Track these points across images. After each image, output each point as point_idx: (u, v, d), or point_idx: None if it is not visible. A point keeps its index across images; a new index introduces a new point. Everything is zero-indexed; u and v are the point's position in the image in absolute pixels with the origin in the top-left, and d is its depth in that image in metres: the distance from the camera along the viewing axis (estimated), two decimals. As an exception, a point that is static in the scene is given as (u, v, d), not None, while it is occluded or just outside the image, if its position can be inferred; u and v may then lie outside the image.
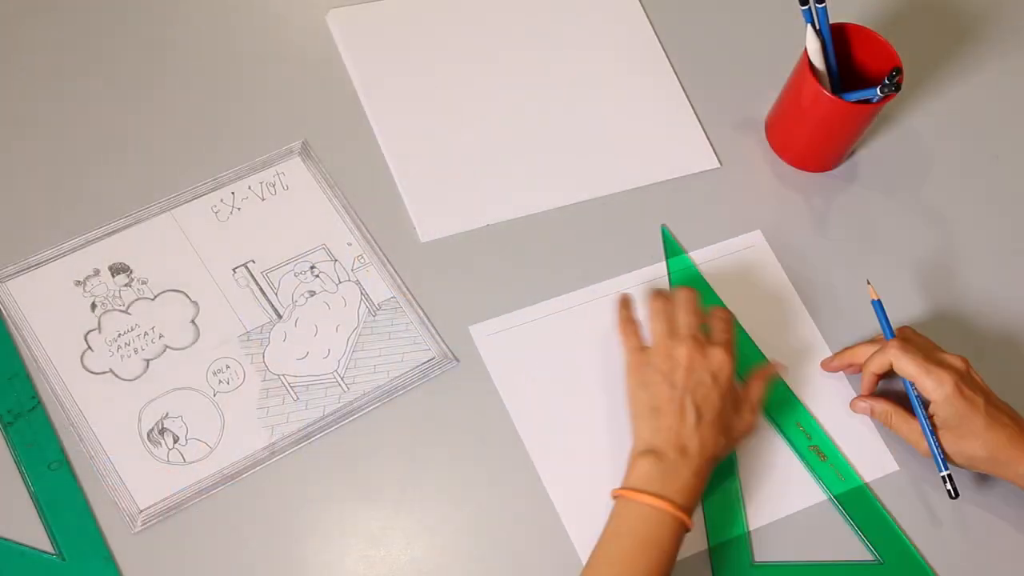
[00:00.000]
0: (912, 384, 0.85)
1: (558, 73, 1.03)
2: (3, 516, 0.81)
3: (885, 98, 0.91)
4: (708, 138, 1.01)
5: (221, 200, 0.94)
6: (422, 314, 0.91)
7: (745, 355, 0.91)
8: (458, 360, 0.90)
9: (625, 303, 0.89)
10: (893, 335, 0.87)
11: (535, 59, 1.03)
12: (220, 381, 0.87)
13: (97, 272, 0.90)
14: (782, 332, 0.94)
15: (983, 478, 0.88)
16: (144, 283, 0.90)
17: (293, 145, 0.96)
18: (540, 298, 0.92)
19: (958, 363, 0.85)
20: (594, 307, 0.93)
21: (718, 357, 0.83)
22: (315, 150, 0.96)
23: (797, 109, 0.97)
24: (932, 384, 0.83)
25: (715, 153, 1.01)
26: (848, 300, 0.95)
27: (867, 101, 0.92)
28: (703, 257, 0.96)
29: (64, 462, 0.83)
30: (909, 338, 0.88)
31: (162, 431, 0.85)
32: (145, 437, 0.85)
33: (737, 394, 0.85)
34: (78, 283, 0.89)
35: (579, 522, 0.85)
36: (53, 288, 0.89)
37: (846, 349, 0.91)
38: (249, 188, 0.94)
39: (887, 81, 0.89)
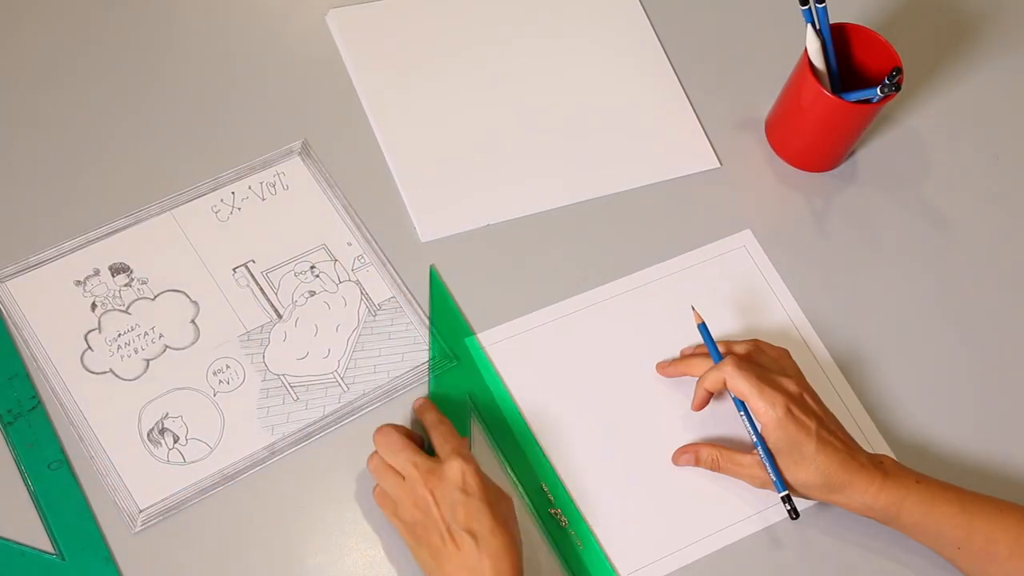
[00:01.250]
0: (744, 404, 0.83)
1: (558, 73, 1.03)
2: (3, 516, 0.81)
3: (885, 98, 0.91)
4: (708, 138, 1.01)
5: (221, 200, 0.94)
6: (422, 314, 0.91)
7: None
8: (458, 360, 0.89)
9: (376, 468, 0.82)
10: (720, 358, 0.84)
11: (535, 60, 1.03)
12: (220, 381, 0.87)
13: (97, 272, 0.90)
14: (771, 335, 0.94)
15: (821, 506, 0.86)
16: (144, 283, 0.90)
17: (293, 145, 0.96)
18: (539, 297, 0.92)
19: (791, 386, 0.82)
20: (592, 312, 0.93)
21: (453, 469, 0.77)
22: (315, 150, 0.96)
23: (797, 109, 0.97)
24: (763, 406, 0.80)
25: (715, 153, 1.01)
26: (847, 300, 0.95)
27: (867, 101, 0.92)
28: (692, 260, 0.96)
29: (64, 462, 0.83)
30: (750, 354, 0.86)
31: (162, 431, 0.85)
32: (145, 437, 0.85)
33: (494, 485, 0.79)
34: (78, 283, 0.89)
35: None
36: (53, 288, 0.88)
37: (683, 358, 0.89)
38: (249, 188, 0.94)
39: (887, 81, 0.89)
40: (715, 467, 0.85)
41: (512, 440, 0.86)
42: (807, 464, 0.80)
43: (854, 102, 0.92)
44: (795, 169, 1.01)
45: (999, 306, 0.97)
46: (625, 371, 0.90)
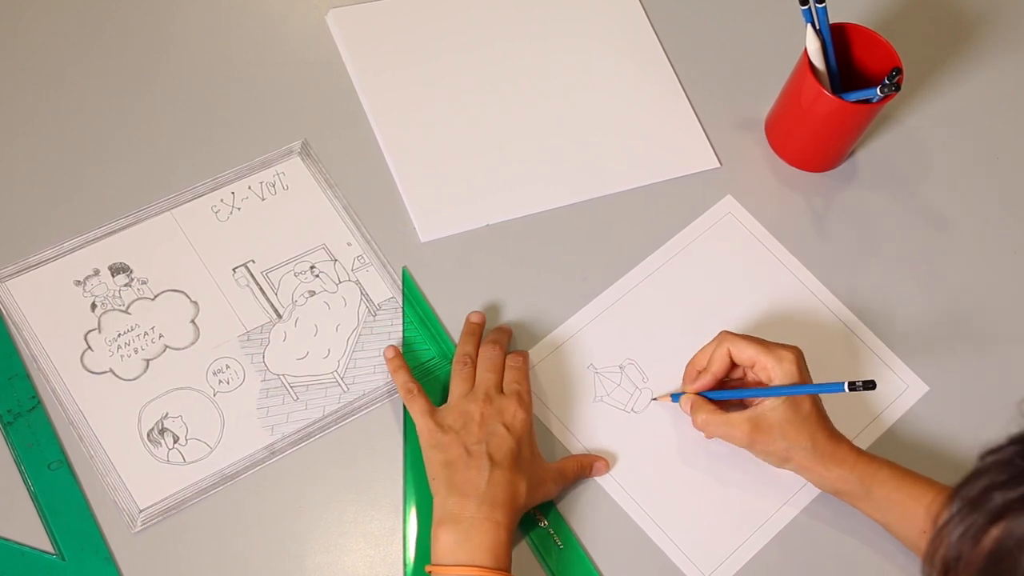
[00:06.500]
0: (750, 368, 0.83)
1: (558, 73, 1.03)
2: (3, 516, 0.81)
3: (885, 98, 0.91)
4: (708, 138, 1.01)
5: (221, 200, 0.94)
6: (422, 314, 0.91)
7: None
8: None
9: (397, 367, 0.86)
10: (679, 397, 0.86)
11: (535, 60, 1.03)
12: (220, 381, 0.87)
13: (97, 272, 0.90)
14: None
15: None
16: (144, 283, 0.90)
17: (293, 145, 0.96)
18: (539, 298, 0.92)
19: (794, 346, 0.83)
20: (596, 316, 0.93)
21: (511, 407, 0.83)
22: (315, 150, 0.96)
23: (797, 109, 0.97)
24: (773, 361, 0.81)
25: (715, 153, 1.01)
26: (847, 301, 0.95)
27: (867, 101, 0.92)
28: (686, 239, 0.96)
29: (64, 462, 0.83)
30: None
31: (162, 431, 0.85)
32: (145, 437, 0.85)
33: (536, 447, 0.83)
34: (78, 283, 0.89)
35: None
36: (53, 288, 0.89)
37: (688, 366, 0.87)
38: (249, 188, 0.94)
39: (887, 81, 0.89)
40: (704, 429, 0.84)
41: None
42: (800, 424, 0.81)
43: (854, 102, 0.92)
44: (795, 169, 1.01)
45: (999, 306, 0.97)
46: (635, 372, 0.91)
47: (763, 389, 0.82)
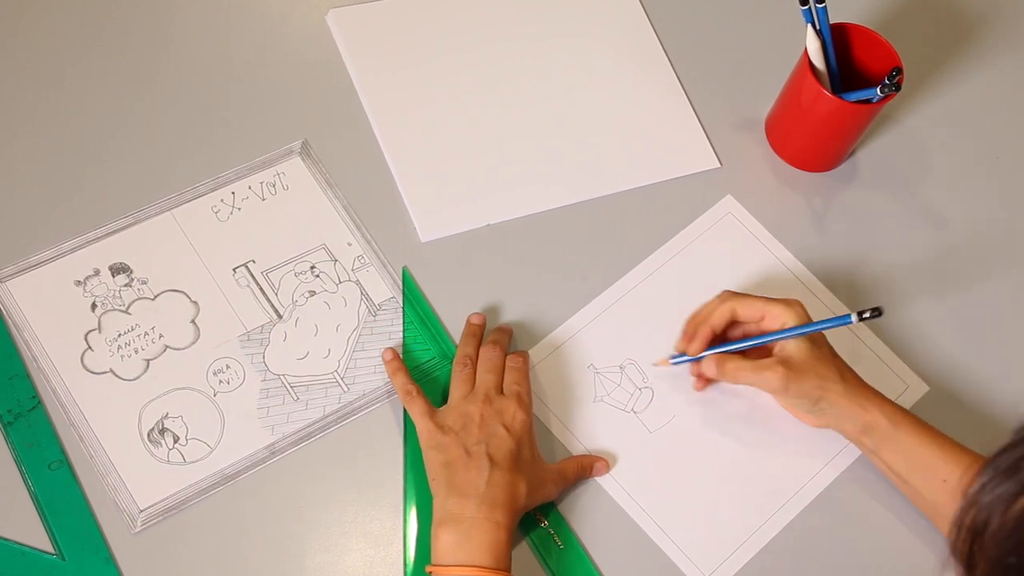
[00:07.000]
0: (758, 321, 0.84)
1: (558, 73, 1.03)
2: (3, 516, 0.81)
3: (885, 98, 0.91)
4: (708, 138, 1.01)
5: (221, 200, 0.94)
6: (422, 314, 0.91)
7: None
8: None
9: (395, 370, 0.86)
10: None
11: (535, 60, 1.03)
12: (220, 381, 0.87)
13: (97, 272, 0.90)
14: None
15: None
16: (144, 283, 0.90)
17: (293, 145, 0.96)
18: (539, 298, 0.92)
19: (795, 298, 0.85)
20: (594, 327, 0.93)
21: (510, 409, 0.83)
22: (315, 150, 0.96)
23: (797, 109, 0.97)
24: (782, 309, 0.83)
25: (715, 153, 1.01)
26: (847, 301, 0.95)
27: (867, 101, 0.92)
28: (686, 239, 0.96)
29: (64, 462, 0.83)
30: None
31: (162, 431, 0.85)
32: (145, 437, 0.85)
33: (536, 448, 0.83)
34: (78, 283, 0.89)
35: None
36: (53, 288, 0.89)
37: (688, 322, 0.88)
38: (249, 188, 0.94)
39: (887, 81, 0.89)
40: (734, 378, 0.84)
41: None
42: (826, 360, 0.83)
43: (854, 102, 0.92)
44: (795, 169, 1.01)
45: (999, 306, 0.97)
46: (636, 370, 0.91)
47: (776, 333, 0.83)
